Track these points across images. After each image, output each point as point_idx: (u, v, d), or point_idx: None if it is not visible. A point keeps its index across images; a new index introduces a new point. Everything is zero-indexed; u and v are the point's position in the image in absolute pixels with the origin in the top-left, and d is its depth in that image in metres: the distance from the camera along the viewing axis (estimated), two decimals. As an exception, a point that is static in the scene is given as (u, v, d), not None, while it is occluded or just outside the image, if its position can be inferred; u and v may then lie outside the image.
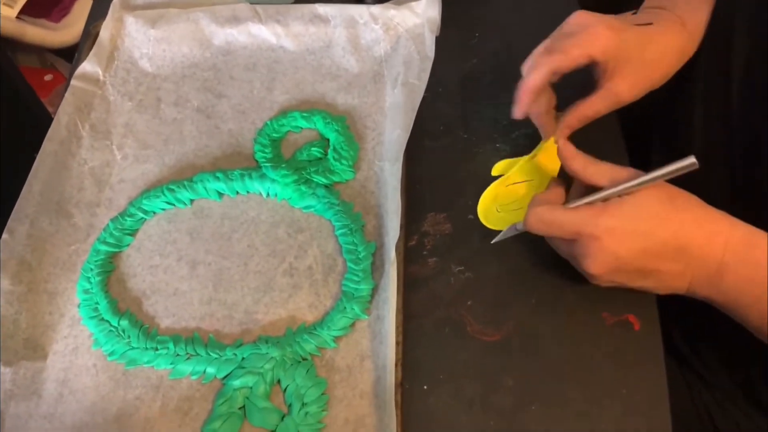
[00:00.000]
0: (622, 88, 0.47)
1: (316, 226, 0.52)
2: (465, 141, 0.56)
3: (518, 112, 0.48)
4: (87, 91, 0.59)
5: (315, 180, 0.53)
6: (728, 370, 0.55)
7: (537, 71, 0.46)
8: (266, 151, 0.55)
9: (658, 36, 0.49)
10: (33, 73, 1.11)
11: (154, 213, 0.53)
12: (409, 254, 0.51)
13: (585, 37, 0.46)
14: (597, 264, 0.41)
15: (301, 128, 0.57)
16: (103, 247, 0.51)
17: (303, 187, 0.53)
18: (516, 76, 0.59)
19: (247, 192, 0.54)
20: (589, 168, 0.43)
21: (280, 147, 0.56)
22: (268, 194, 0.54)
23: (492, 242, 0.47)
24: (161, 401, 0.45)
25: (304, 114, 0.57)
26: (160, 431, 0.44)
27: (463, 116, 0.57)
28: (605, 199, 0.42)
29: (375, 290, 0.48)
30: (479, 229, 0.52)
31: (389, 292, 0.46)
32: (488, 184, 0.53)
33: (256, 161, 0.55)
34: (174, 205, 0.53)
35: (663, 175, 0.40)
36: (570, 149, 0.44)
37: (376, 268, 0.49)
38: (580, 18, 0.47)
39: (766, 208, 0.43)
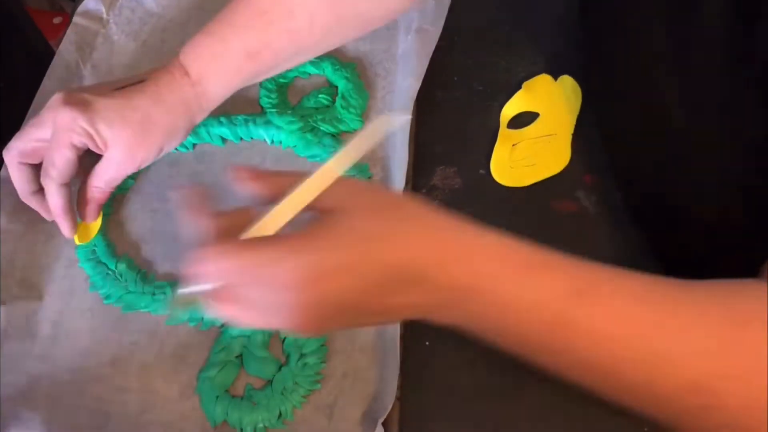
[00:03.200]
0: (121, 157, 0.43)
1: (321, 176, 0.50)
2: (479, 93, 0.54)
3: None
4: (90, 29, 0.57)
5: (321, 128, 0.51)
6: None
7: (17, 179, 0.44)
8: (272, 96, 0.53)
9: (161, 92, 0.44)
10: (41, 15, 1.09)
11: (155, 156, 0.52)
12: (416, 208, 0.49)
13: (39, 123, 0.43)
14: (303, 316, 0.30)
15: (309, 74, 0.55)
16: (102, 189, 0.49)
17: (309, 135, 0.51)
18: (536, 29, 0.57)
19: (251, 138, 0.52)
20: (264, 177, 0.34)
21: (287, 93, 0.54)
22: (272, 141, 0.52)
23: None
24: (158, 347, 0.44)
25: (313, 59, 0.54)
26: (156, 377, 0.44)
27: (477, 66, 0.55)
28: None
29: (379, 243, 0.47)
30: (490, 184, 0.50)
31: (394, 245, 0.45)
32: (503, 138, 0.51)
33: (262, 107, 0.53)
34: (176, 149, 0.52)
35: (360, 147, 0.32)
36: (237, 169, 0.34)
37: (381, 221, 0.48)
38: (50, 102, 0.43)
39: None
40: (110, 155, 0.43)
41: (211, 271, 0.30)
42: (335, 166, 0.31)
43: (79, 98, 0.42)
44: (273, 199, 0.32)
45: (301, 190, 0.31)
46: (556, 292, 0.31)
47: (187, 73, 0.44)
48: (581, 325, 0.31)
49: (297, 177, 0.32)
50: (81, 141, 0.42)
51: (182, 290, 0.31)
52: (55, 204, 0.44)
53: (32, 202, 0.46)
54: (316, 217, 0.31)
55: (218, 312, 0.32)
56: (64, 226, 0.45)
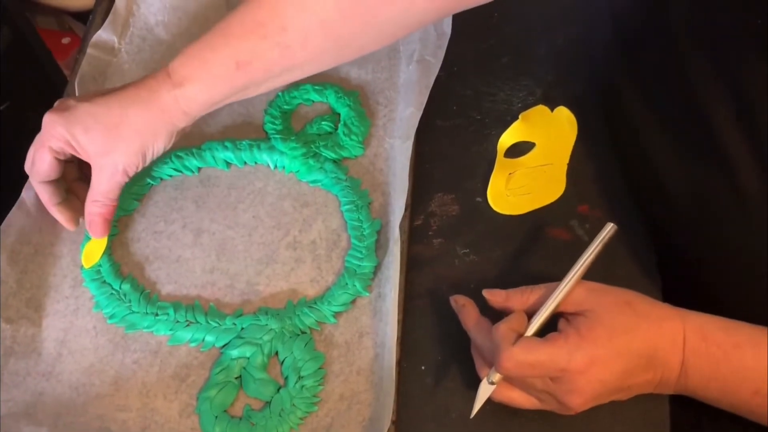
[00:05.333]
0: (102, 163, 0.45)
1: (323, 201, 0.52)
2: (477, 122, 0.55)
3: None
4: (102, 59, 0.58)
5: (324, 154, 0.53)
6: None
7: (41, 194, 0.48)
8: (276, 122, 0.54)
9: (139, 94, 0.45)
10: (51, 35, 1.10)
11: (161, 179, 0.53)
12: (414, 234, 0.50)
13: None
14: (583, 396, 0.39)
15: (313, 101, 0.57)
16: (109, 211, 0.51)
17: (311, 161, 0.52)
18: (534, 60, 0.58)
19: (255, 163, 0.54)
20: (512, 296, 0.42)
21: (291, 119, 0.56)
22: (275, 166, 0.53)
23: (471, 416, 0.40)
24: (159, 366, 0.45)
25: (317, 87, 0.56)
26: (157, 396, 0.44)
27: (476, 97, 0.56)
28: (557, 314, 0.41)
29: (378, 268, 0.48)
30: (486, 212, 0.51)
31: (392, 270, 0.46)
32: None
33: (266, 132, 0.55)
34: (181, 172, 0.53)
35: (593, 254, 0.40)
36: (490, 293, 0.43)
37: (380, 246, 0.49)
38: None
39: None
40: (95, 164, 0.45)
41: (511, 367, 0.38)
42: (575, 277, 0.40)
43: (64, 105, 0.45)
44: (526, 310, 0.41)
45: (554, 299, 0.40)
46: (756, 369, 0.38)
47: (169, 76, 0.45)
48: None
49: (539, 290, 0.41)
50: (58, 146, 0.45)
51: (491, 379, 0.39)
52: (43, 200, 0.48)
53: (55, 213, 0.48)
54: (566, 317, 0.40)
55: (502, 394, 0.41)
56: (60, 218, 0.48)
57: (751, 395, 0.38)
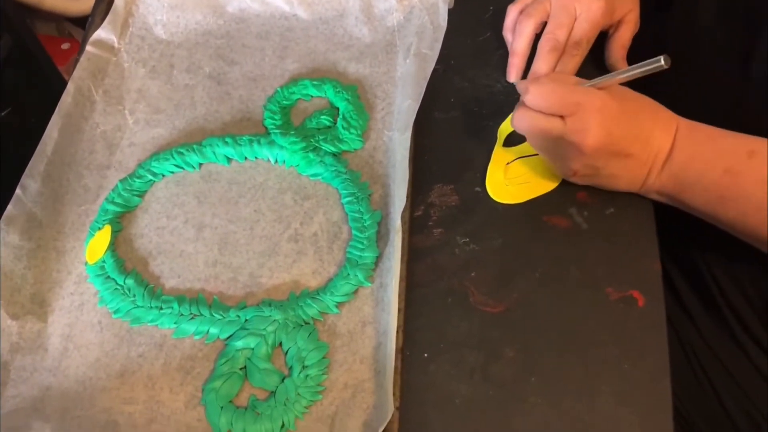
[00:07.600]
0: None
1: (323, 194, 0.52)
2: (475, 114, 0.56)
3: (514, 75, 0.56)
4: (101, 57, 0.59)
5: (323, 148, 0.53)
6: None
7: (521, 37, 0.54)
8: (276, 118, 0.55)
9: None
10: (50, 41, 1.11)
11: (163, 175, 0.54)
12: (414, 224, 0.51)
13: None
14: (591, 137, 0.44)
15: (312, 96, 0.57)
16: (111, 207, 0.51)
17: (311, 155, 0.53)
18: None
19: (256, 158, 0.54)
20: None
21: (290, 114, 0.56)
22: (276, 160, 0.54)
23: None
24: (164, 359, 0.46)
25: (315, 82, 0.57)
26: (162, 389, 0.45)
27: (474, 89, 0.57)
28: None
29: (379, 258, 0.48)
30: (486, 201, 0.52)
31: (393, 260, 0.46)
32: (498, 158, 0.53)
33: (266, 128, 0.55)
34: (182, 168, 0.54)
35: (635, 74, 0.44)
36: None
37: (381, 237, 0.49)
38: None
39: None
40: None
41: (540, 92, 0.44)
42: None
43: None
44: None
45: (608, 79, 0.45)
46: (733, 150, 0.44)
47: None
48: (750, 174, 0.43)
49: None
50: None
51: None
52: (520, 45, 0.55)
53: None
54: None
55: (532, 118, 0.45)
56: (516, 67, 0.56)
57: (722, 173, 0.43)
